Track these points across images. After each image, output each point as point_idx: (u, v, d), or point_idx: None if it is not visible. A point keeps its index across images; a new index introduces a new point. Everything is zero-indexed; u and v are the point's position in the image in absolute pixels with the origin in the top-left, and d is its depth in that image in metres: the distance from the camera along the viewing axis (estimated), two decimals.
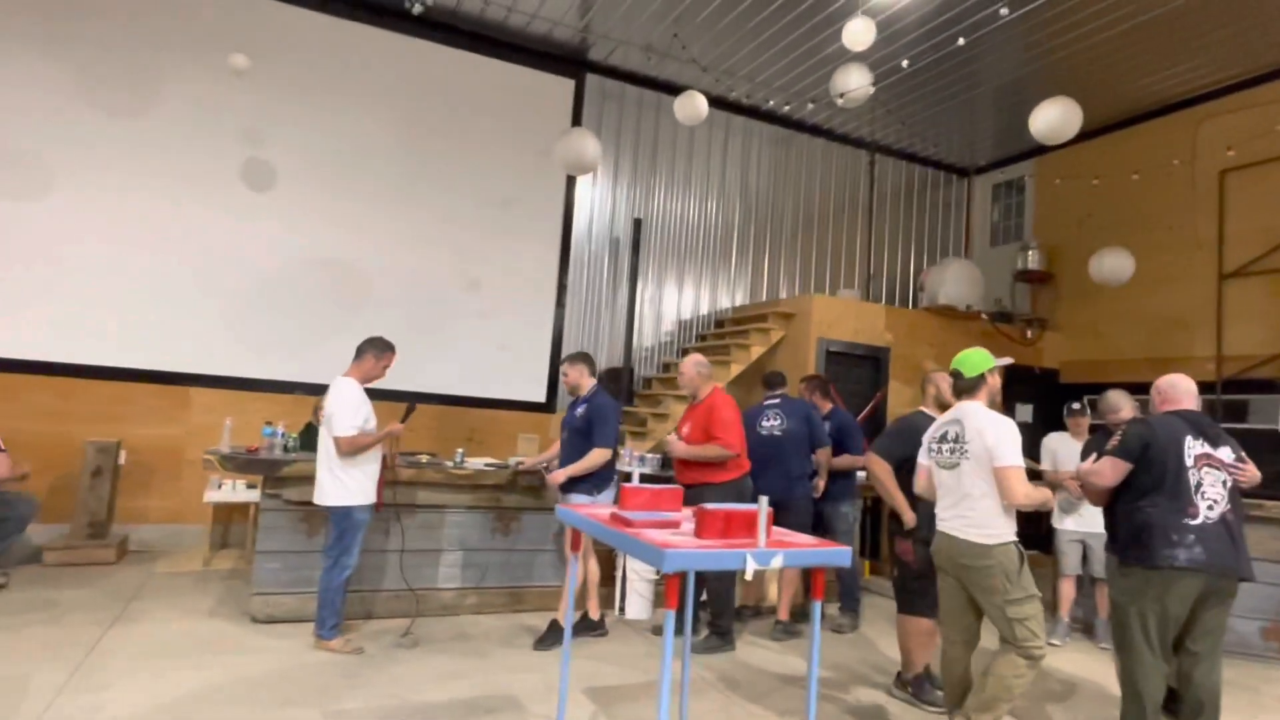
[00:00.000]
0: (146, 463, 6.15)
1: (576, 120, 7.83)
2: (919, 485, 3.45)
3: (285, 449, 4.65)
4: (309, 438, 5.17)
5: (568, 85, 7.87)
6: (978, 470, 3.10)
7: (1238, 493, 3.31)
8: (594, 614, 4.53)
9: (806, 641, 4.69)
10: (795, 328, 7.52)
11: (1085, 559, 5.09)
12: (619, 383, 7.85)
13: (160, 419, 6.23)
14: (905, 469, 3.80)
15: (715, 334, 8.27)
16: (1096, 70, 7.21)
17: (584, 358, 4.62)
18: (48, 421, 5.87)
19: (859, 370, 7.63)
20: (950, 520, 3.20)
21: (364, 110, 7.00)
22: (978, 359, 3.31)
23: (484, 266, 7.41)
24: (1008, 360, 3.39)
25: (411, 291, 7.09)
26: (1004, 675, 3.04)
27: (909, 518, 3.73)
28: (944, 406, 3.91)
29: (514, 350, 7.50)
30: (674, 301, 8.42)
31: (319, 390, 5.81)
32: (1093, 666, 4.59)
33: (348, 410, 3.90)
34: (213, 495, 5.81)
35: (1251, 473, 3.34)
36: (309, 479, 4.17)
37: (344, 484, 3.92)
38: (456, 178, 7.32)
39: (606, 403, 4.46)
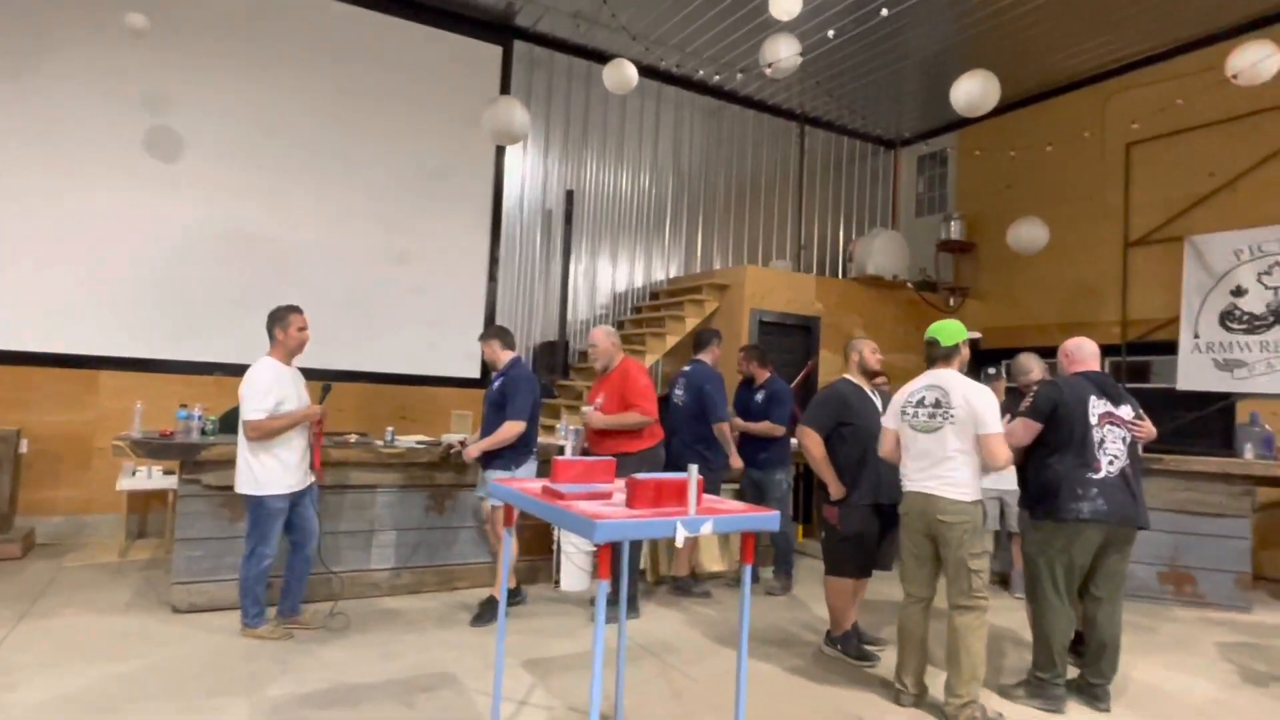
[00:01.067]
0: (52, 451, 5.80)
1: (505, 88, 7.63)
2: (885, 448, 3.53)
3: (203, 432, 4.44)
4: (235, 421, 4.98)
5: (495, 52, 7.66)
6: (961, 434, 3.23)
7: (1136, 447, 3.53)
8: (511, 584, 4.54)
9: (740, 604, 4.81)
10: (729, 299, 7.60)
11: (1002, 515, 5.36)
12: (554, 356, 7.80)
13: (66, 404, 5.88)
14: (833, 436, 3.90)
15: (650, 306, 8.28)
16: (1013, 44, 7.43)
17: (496, 332, 4.60)
18: None
19: (791, 340, 7.78)
20: (925, 481, 3.29)
21: (278, 75, 6.65)
22: (954, 329, 3.44)
23: (412, 239, 7.20)
24: (977, 335, 3.55)
25: (336, 266, 6.83)
26: (968, 641, 3.19)
27: (836, 489, 3.83)
28: (866, 372, 4.03)
29: (445, 325, 7.34)
30: (608, 274, 8.37)
31: (240, 371, 5.59)
32: (1009, 616, 4.85)
33: (256, 393, 3.72)
34: (126, 483, 5.53)
35: (1148, 429, 3.56)
36: (229, 462, 4.01)
37: (254, 472, 3.74)
38: (380, 147, 7.06)
39: (521, 375, 4.42)
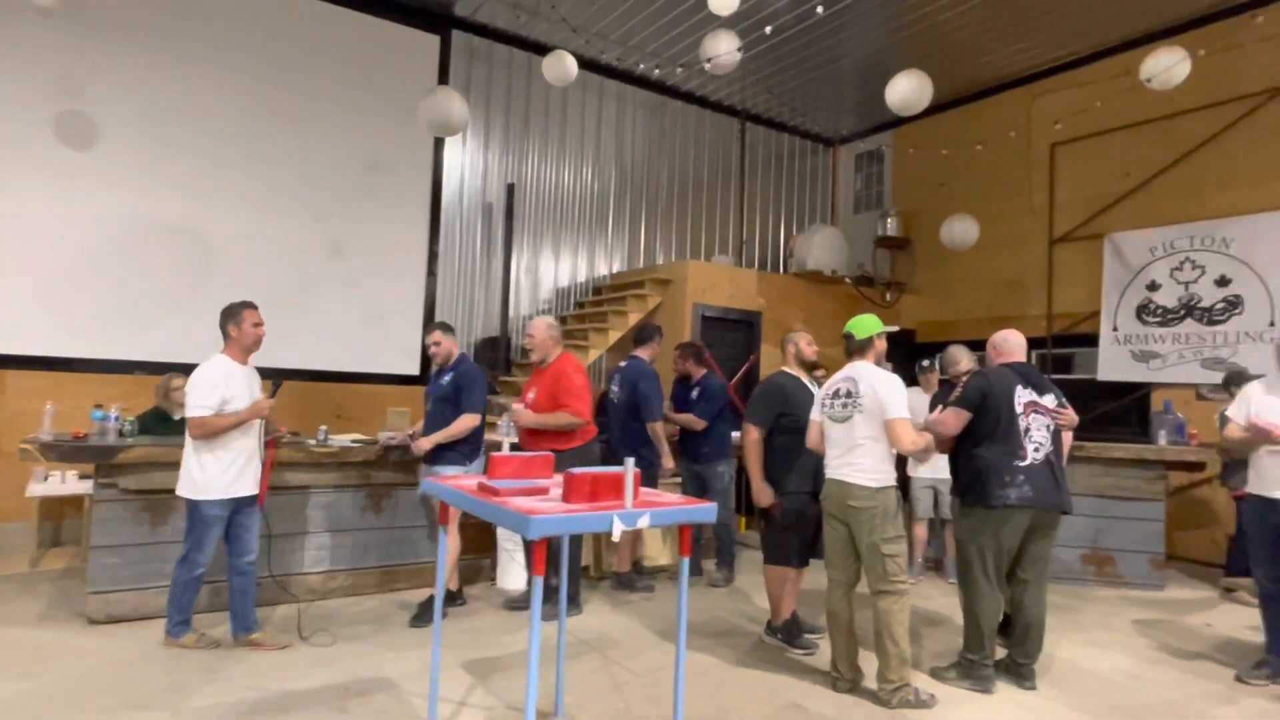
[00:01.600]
0: None
1: (443, 79, 7.47)
2: (811, 439, 3.66)
3: (120, 434, 4.22)
4: (164, 422, 4.76)
5: (433, 41, 7.49)
6: (869, 422, 3.35)
7: (1060, 435, 3.67)
8: (453, 586, 4.49)
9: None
10: (672, 294, 7.62)
11: (936, 503, 5.51)
12: (496, 352, 7.69)
13: None
14: (773, 427, 3.95)
15: (593, 301, 8.24)
16: (944, 47, 7.63)
17: (449, 327, 4.55)
18: None
19: (733, 334, 7.85)
20: (841, 468, 3.43)
21: (202, 59, 6.35)
22: (868, 323, 3.57)
23: (346, 233, 6.98)
24: (894, 328, 3.71)
25: (266, 259, 6.58)
26: (890, 626, 3.29)
27: (760, 490, 3.91)
28: (804, 363, 4.10)
29: (382, 321, 7.15)
30: (551, 269, 8.29)
31: (162, 369, 5.34)
32: (942, 601, 5.00)
33: (199, 389, 3.55)
34: (37, 489, 5.22)
35: (1070, 416, 3.71)
36: (149, 465, 3.83)
37: (192, 475, 3.56)
38: (311, 136, 6.82)
39: (474, 369, 4.41)
